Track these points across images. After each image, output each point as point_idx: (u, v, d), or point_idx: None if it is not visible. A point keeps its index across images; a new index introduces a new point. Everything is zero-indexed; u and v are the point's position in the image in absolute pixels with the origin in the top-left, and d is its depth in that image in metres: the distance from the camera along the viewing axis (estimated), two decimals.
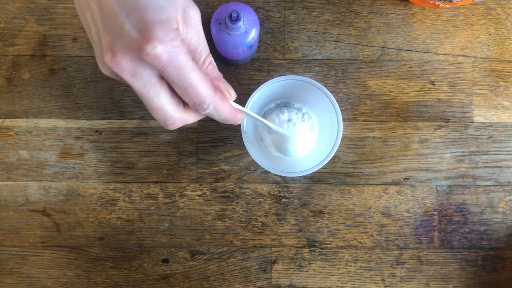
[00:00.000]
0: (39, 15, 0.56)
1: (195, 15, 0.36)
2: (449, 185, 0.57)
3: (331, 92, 0.49)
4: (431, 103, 0.57)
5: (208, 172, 0.56)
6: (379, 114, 0.57)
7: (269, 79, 0.49)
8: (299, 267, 0.56)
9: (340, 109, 0.49)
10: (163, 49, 0.32)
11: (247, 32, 0.47)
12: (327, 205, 0.57)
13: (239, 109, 0.40)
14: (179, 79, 0.34)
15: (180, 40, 0.33)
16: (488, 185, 0.57)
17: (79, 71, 0.56)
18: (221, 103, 0.37)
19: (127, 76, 0.34)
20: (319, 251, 0.57)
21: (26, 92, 0.56)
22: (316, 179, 0.57)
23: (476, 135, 0.57)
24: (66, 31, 0.57)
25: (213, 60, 0.38)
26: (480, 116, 0.57)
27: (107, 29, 0.34)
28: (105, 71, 0.35)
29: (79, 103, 0.56)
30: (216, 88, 0.37)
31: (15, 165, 0.56)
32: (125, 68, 0.33)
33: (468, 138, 0.57)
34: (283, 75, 0.49)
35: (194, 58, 0.36)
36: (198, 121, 0.56)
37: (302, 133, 0.51)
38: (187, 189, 0.56)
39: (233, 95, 0.40)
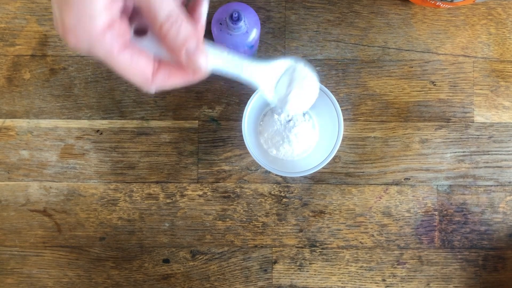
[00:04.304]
0: (39, 15, 0.56)
1: None
2: (450, 185, 0.57)
3: (331, 92, 0.49)
4: (432, 103, 0.57)
5: (209, 172, 0.56)
6: (379, 114, 0.57)
7: None
8: (300, 267, 0.57)
9: (341, 109, 0.49)
10: (76, 41, 0.30)
11: (248, 32, 0.47)
12: (328, 205, 0.57)
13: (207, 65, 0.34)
14: (107, 65, 0.32)
15: (100, 27, 0.30)
16: (488, 185, 0.57)
17: (79, 71, 0.56)
18: (165, 82, 0.33)
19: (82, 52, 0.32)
20: (320, 251, 0.57)
21: (26, 92, 0.56)
22: (317, 179, 0.57)
23: (477, 135, 0.57)
24: None
25: (180, 20, 0.31)
26: (480, 116, 0.57)
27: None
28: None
29: (80, 103, 0.56)
30: (176, 58, 0.32)
31: (16, 165, 0.56)
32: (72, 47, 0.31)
33: (468, 138, 0.57)
34: None
35: (150, 23, 0.31)
36: (199, 121, 0.56)
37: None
38: (188, 189, 0.56)
39: (203, 65, 0.32)
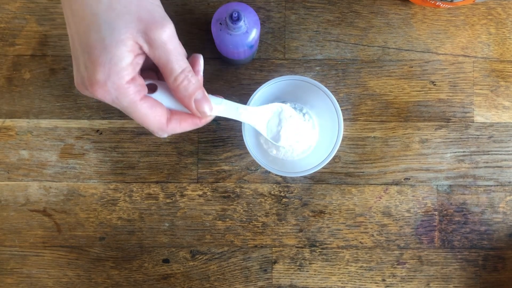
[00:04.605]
0: (39, 15, 0.56)
1: (160, 35, 0.36)
2: (450, 185, 0.57)
3: (331, 92, 0.49)
4: (432, 103, 0.57)
5: (209, 172, 0.56)
6: (379, 114, 0.57)
7: (269, 79, 0.49)
8: (299, 267, 0.56)
9: (341, 109, 0.49)
10: (104, 93, 0.35)
11: (248, 32, 0.47)
12: (328, 205, 0.57)
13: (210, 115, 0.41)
14: (128, 113, 0.37)
15: (126, 80, 0.35)
16: (488, 185, 0.57)
17: None
18: (177, 128, 0.40)
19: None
20: (319, 251, 0.57)
21: (26, 92, 0.56)
22: (316, 179, 0.57)
23: (477, 135, 0.57)
24: (66, 31, 0.56)
25: (190, 75, 0.38)
26: (480, 116, 0.57)
27: (73, 58, 0.37)
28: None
29: (80, 103, 0.56)
30: (186, 106, 0.39)
31: (15, 165, 0.56)
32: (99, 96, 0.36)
33: (468, 138, 0.57)
34: (284, 75, 0.49)
35: (165, 76, 0.37)
36: None
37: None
38: (187, 189, 0.56)
39: (208, 112, 0.40)
